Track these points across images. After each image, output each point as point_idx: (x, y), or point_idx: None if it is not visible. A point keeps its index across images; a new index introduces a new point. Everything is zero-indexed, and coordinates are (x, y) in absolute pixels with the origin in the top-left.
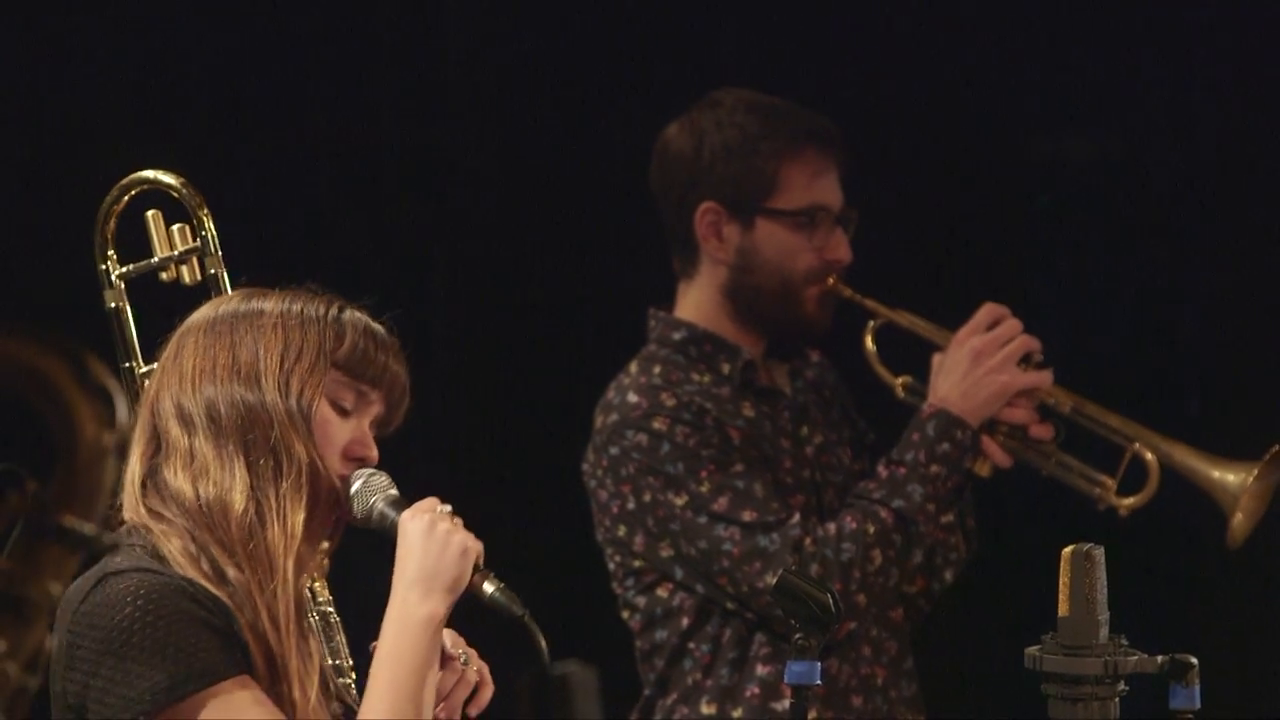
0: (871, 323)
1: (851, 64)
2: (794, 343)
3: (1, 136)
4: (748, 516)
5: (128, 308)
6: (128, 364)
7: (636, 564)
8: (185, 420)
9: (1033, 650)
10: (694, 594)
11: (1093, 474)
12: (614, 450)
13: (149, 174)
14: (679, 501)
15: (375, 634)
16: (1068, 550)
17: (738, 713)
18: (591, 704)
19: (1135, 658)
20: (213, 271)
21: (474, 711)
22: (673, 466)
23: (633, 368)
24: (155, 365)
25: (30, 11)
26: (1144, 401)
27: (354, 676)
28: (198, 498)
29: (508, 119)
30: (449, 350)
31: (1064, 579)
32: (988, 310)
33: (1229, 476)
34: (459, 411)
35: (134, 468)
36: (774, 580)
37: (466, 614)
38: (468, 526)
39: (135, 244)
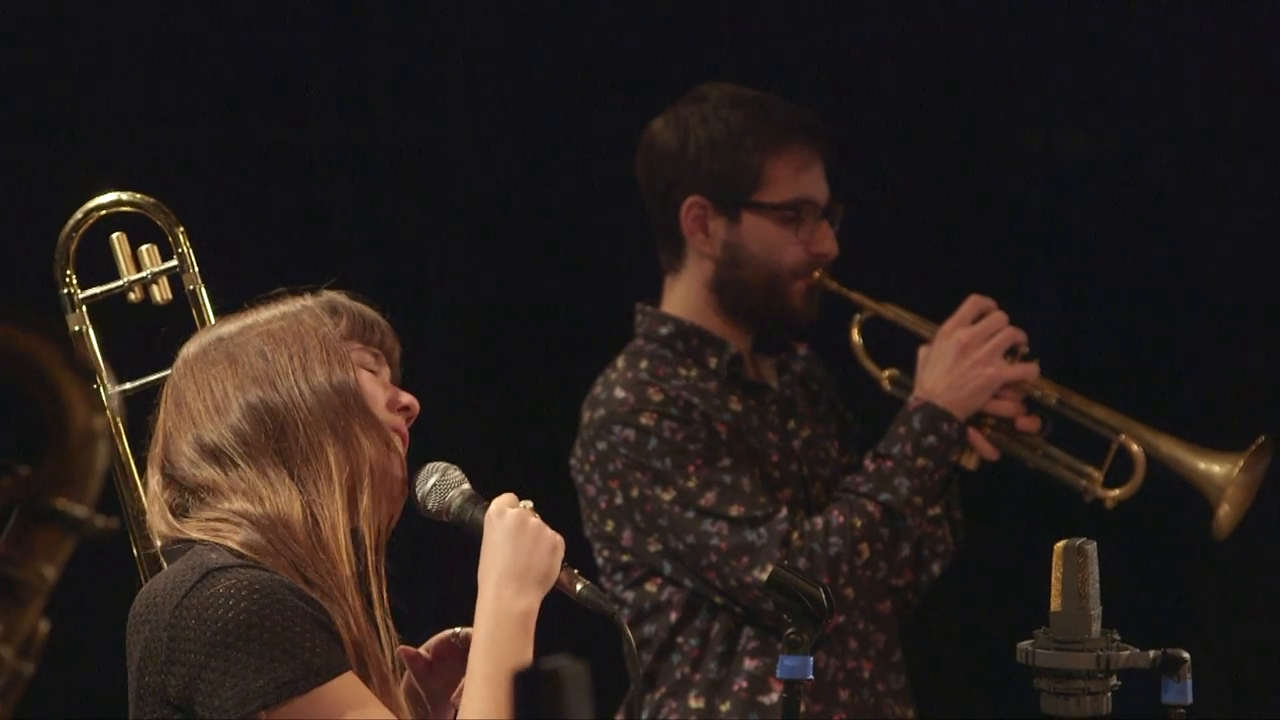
0: (858, 316)
1: (840, 57)
2: (781, 336)
3: None
4: (735, 511)
5: (91, 331)
6: (94, 385)
7: (625, 559)
8: (215, 456)
9: (1025, 645)
10: (682, 588)
11: (1079, 466)
12: (601, 445)
13: (109, 197)
14: (667, 496)
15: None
16: (1060, 545)
17: (725, 706)
18: (582, 699)
19: (1127, 652)
20: (191, 289)
21: None
22: (660, 461)
23: (620, 363)
24: (154, 411)
25: None
26: (1135, 395)
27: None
28: (255, 522)
29: (498, 115)
30: (439, 345)
31: (1056, 574)
32: (973, 303)
33: (1215, 468)
34: (447, 406)
35: (158, 527)
36: (762, 574)
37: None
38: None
39: (107, 266)
